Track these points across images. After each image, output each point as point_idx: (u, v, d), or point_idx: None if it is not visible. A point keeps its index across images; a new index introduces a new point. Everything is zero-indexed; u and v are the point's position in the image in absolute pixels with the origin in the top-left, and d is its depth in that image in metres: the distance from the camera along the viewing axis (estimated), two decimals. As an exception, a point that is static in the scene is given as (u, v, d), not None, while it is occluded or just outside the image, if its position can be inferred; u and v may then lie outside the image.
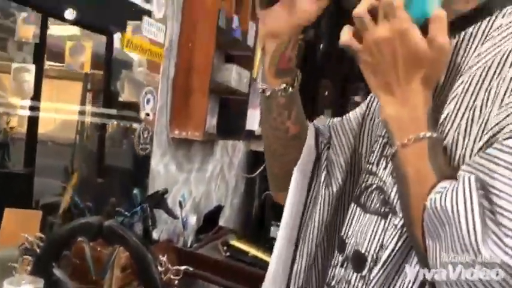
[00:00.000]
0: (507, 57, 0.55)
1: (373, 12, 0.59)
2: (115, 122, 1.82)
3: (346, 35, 0.61)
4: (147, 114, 1.95)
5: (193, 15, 2.16)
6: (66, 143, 1.70)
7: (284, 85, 0.74)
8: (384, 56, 0.58)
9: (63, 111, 1.63)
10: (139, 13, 1.84)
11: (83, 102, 1.72)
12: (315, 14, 0.70)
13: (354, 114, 0.82)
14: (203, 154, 2.47)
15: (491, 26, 0.60)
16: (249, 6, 2.38)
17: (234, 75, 2.30)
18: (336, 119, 0.85)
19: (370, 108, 0.80)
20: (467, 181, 0.50)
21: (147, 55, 1.91)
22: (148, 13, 1.90)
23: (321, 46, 3.43)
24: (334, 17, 2.80)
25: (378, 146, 0.70)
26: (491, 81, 0.56)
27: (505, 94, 0.54)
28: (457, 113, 0.57)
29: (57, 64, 1.53)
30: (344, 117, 0.84)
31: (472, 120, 0.56)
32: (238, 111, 2.47)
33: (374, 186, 0.65)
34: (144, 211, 1.52)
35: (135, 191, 1.66)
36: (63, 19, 1.49)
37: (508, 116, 0.52)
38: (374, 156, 0.69)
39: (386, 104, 0.59)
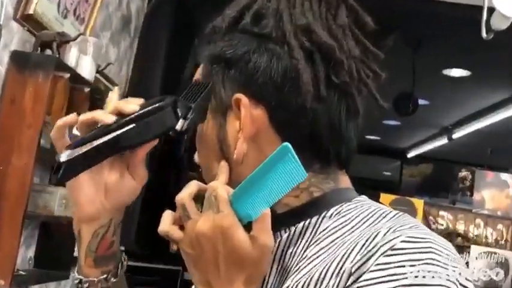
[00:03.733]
0: (326, 272, 0.63)
1: (199, 198, 0.67)
2: None
3: (165, 223, 0.67)
4: None
5: (8, 133, 1.97)
6: None
7: (105, 275, 0.76)
8: (204, 252, 0.63)
9: None
10: None
11: None
12: (135, 194, 0.74)
13: None
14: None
15: (319, 226, 0.68)
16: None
17: (58, 200, 2.18)
18: None
19: None
20: None
21: None
22: None
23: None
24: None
25: None
26: None
27: None
28: None
29: None
30: None
31: None
32: (65, 238, 2.34)
33: None
34: None
35: None
36: None
37: None
38: None
39: None
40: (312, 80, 0.67)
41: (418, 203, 3.97)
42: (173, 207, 0.69)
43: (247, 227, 0.63)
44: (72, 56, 2.21)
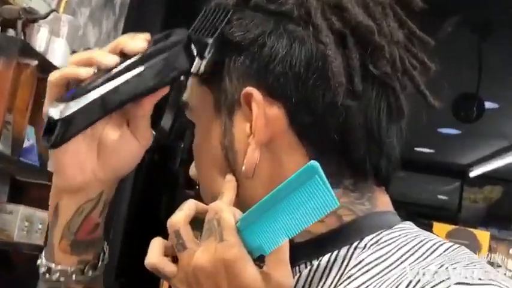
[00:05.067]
0: None
1: (197, 223, 0.67)
2: None
3: (154, 254, 0.67)
4: None
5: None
6: None
7: (82, 265, 0.76)
8: None
9: None
10: None
11: None
12: (136, 160, 0.74)
13: None
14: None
15: (350, 260, 0.68)
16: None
17: (19, 222, 2.21)
18: None
19: None
20: None
21: None
22: None
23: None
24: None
25: None
26: None
27: None
28: None
29: None
30: None
31: None
32: (27, 271, 2.37)
33: None
34: None
35: None
36: None
37: None
38: None
39: None
40: (345, 70, 0.67)
41: (483, 236, 3.95)
42: (164, 235, 0.69)
43: (258, 261, 0.63)
44: (41, 38, 2.23)
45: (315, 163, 0.59)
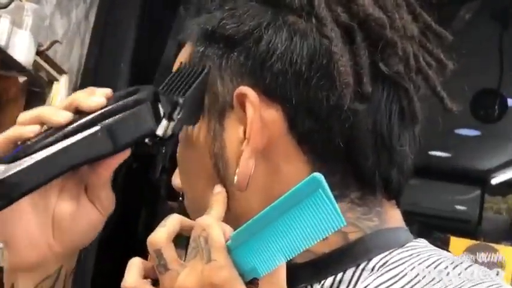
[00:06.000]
0: None
1: (181, 241, 0.68)
2: None
3: (132, 276, 0.68)
4: None
5: None
6: None
7: None
8: None
9: None
10: None
11: None
12: (97, 230, 0.76)
13: None
14: None
15: (356, 282, 0.69)
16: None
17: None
18: None
19: None
20: None
21: None
22: None
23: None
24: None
25: None
26: None
27: None
28: None
29: None
30: None
31: None
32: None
33: None
34: None
35: None
36: None
37: None
38: None
39: None
40: (352, 68, 0.67)
41: (508, 252, 3.95)
42: (144, 254, 0.70)
43: (251, 284, 0.63)
44: (1, 30, 2.23)
45: (318, 175, 0.58)
